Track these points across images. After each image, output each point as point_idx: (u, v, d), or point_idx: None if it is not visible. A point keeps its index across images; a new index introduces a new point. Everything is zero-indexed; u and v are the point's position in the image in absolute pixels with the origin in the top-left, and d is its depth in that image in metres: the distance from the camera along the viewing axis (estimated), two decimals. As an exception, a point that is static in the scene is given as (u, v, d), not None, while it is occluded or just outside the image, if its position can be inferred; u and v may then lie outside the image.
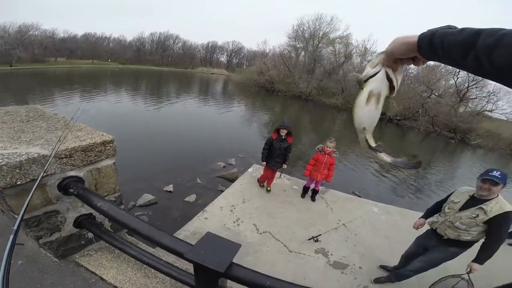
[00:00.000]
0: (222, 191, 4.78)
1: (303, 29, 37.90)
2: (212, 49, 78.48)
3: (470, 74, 27.29)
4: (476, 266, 2.16)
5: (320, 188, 4.89)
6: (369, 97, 0.68)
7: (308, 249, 3.48)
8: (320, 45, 36.73)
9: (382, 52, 0.66)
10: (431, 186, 9.13)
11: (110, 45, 62.52)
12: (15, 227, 0.91)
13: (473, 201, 2.12)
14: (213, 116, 14.29)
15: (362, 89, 0.70)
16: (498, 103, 26.89)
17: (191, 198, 5.07)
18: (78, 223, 1.62)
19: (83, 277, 1.62)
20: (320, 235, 3.64)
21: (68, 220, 1.58)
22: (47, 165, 1.24)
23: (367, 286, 3.01)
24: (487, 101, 27.29)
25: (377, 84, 0.67)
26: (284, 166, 4.51)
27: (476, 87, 27.36)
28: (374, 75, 0.67)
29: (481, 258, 2.14)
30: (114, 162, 1.72)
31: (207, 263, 1.03)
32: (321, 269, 3.19)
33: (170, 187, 5.34)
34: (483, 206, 2.01)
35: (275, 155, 4.27)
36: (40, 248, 1.61)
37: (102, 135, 1.61)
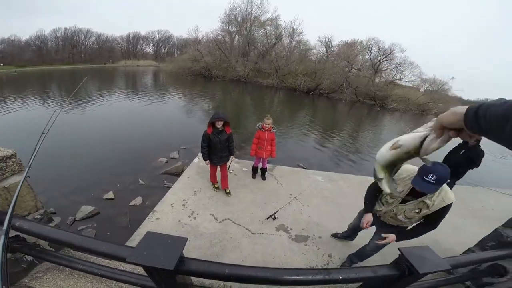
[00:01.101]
0: (169, 188, 4.50)
1: (236, 13, 37.35)
2: (134, 40, 70.53)
3: (380, 49, 32.28)
4: (391, 238, 2.07)
5: (268, 165, 5.07)
6: (394, 144, 0.77)
7: (269, 228, 3.58)
8: (252, 28, 36.94)
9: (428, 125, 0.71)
10: (363, 148, 10.41)
11: None
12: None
13: (415, 191, 1.84)
14: (147, 112, 13.05)
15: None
16: (405, 72, 32.81)
17: (137, 201, 4.67)
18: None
19: (44, 301, 1.47)
20: (276, 212, 3.76)
21: None
22: None
23: (331, 254, 3.22)
24: (396, 71, 33.00)
25: (408, 140, 0.74)
26: (232, 158, 4.12)
27: (386, 60, 32.82)
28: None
29: (404, 237, 2.08)
30: (24, 178, 1.49)
31: (153, 263, 0.95)
32: (286, 245, 3.31)
33: (110, 194, 4.82)
34: (426, 200, 1.83)
35: (217, 151, 3.85)
36: None
37: (0, 150, 1.40)
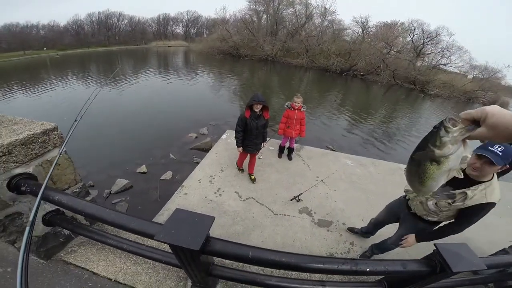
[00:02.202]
0: (198, 163, 4.59)
1: None
2: (164, 21, 71.80)
3: (425, 31, 29.49)
4: (412, 240, 1.94)
5: (295, 145, 4.92)
6: (449, 173, 0.69)
7: (292, 210, 3.52)
8: (280, 7, 35.52)
9: (460, 127, 0.60)
10: (398, 134, 9.73)
11: (40, 32, 54.48)
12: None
13: (457, 181, 1.46)
14: (178, 89, 13.44)
15: (438, 163, 0.67)
16: (452, 57, 29.64)
17: (167, 175, 4.88)
18: (47, 221, 1.55)
19: (75, 274, 1.59)
20: (301, 194, 3.66)
21: (36, 219, 1.48)
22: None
23: (353, 242, 3.09)
24: (441, 56, 29.90)
25: (457, 162, 0.67)
26: (264, 145, 3.88)
27: (431, 43, 29.78)
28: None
29: (424, 237, 1.91)
30: (65, 151, 1.56)
31: (180, 242, 0.93)
32: (307, 228, 3.23)
33: (143, 168, 5.09)
34: (467, 191, 1.56)
35: (253, 137, 3.54)
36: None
37: (42, 124, 1.44)
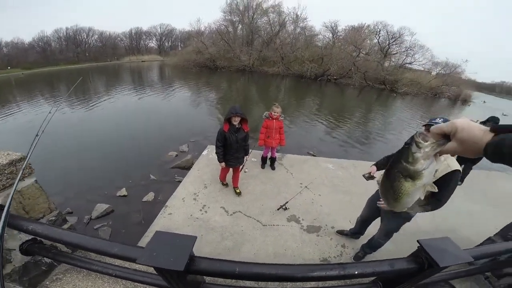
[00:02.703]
0: (180, 182, 4.49)
1: (237, 2, 36.76)
2: (137, 36, 70.51)
3: (389, 33, 31.59)
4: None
5: (277, 155, 5.00)
6: (424, 188, 0.70)
7: (280, 219, 3.53)
8: (255, 16, 36.39)
9: (431, 142, 0.61)
10: (374, 133, 10.17)
11: (3, 50, 51.46)
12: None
13: None
14: (154, 106, 13.12)
15: (413, 179, 0.67)
16: (415, 56, 31.93)
17: (149, 197, 4.72)
18: (25, 250, 1.51)
19: (64, 303, 1.55)
20: (287, 202, 3.70)
21: (12, 249, 1.51)
22: None
23: (344, 245, 3.15)
24: (406, 55, 32.17)
25: (430, 176, 0.67)
26: (246, 158, 3.87)
27: (395, 44, 31.93)
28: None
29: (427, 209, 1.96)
30: (35, 180, 1.57)
31: (163, 264, 0.92)
32: (297, 236, 3.26)
33: (123, 191, 4.89)
34: None
35: (233, 151, 3.48)
36: (7, 282, 1.53)
37: (8, 154, 1.41)
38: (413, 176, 0.66)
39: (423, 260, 1.13)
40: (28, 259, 1.58)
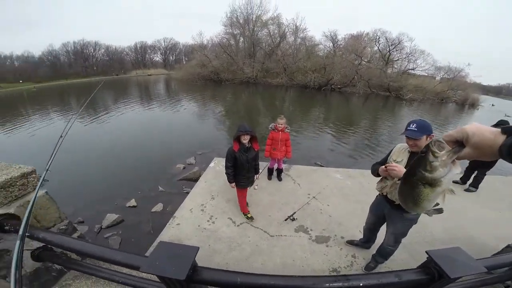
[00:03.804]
0: (188, 193, 4.56)
1: (237, 15, 37.84)
2: (142, 49, 72.79)
3: (388, 39, 31.79)
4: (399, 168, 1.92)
5: (284, 166, 5.03)
6: (443, 194, 0.73)
7: (288, 230, 3.51)
8: (255, 28, 37.15)
9: (447, 150, 0.63)
10: (382, 141, 10.11)
11: (15, 64, 53.49)
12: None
13: (414, 157, 1.79)
14: (162, 119, 13.39)
15: (432, 186, 0.70)
16: (417, 61, 32.04)
17: (158, 207, 4.80)
18: (36, 256, 1.58)
19: (72, 308, 1.60)
20: (295, 212, 3.69)
21: (24, 255, 1.51)
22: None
23: (354, 255, 3.09)
24: (408, 61, 32.36)
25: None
26: (257, 177, 3.68)
27: (396, 50, 32.14)
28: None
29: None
30: (46, 191, 1.67)
31: (165, 273, 0.96)
32: (306, 246, 3.22)
33: (132, 202, 4.99)
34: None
35: (245, 171, 3.30)
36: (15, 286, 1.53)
37: (20, 167, 1.53)
38: (433, 183, 0.69)
39: (432, 271, 1.09)
40: (39, 265, 1.66)
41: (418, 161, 0.71)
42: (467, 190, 4.76)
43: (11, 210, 1.43)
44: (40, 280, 1.66)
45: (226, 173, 3.36)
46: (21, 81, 45.67)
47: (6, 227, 1.35)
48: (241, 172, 3.31)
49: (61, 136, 1.53)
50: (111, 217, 4.47)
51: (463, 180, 4.98)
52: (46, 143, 8.91)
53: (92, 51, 63.40)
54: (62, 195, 1.77)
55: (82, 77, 54.74)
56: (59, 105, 19.85)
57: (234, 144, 3.15)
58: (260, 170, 3.83)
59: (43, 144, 8.97)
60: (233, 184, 3.42)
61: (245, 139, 3.11)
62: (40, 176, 1.55)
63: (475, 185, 4.76)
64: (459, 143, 0.60)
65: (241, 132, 3.05)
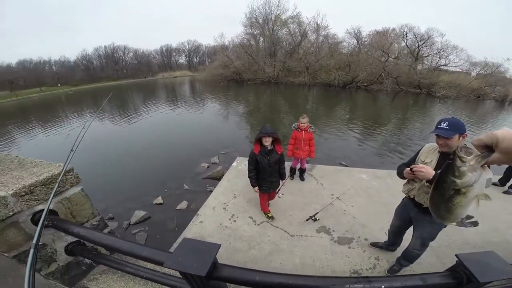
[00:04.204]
0: (211, 192, 4.65)
1: (256, 15, 38.06)
2: (167, 52, 75.98)
3: (416, 35, 29.88)
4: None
5: (307, 165, 4.94)
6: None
7: (309, 230, 3.45)
8: (275, 28, 37.06)
9: (475, 155, 0.62)
10: (412, 141, 9.53)
11: (53, 68, 58.34)
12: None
13: (444, 158, 1.81)
14: (188, 119, 13.89)
15: (464, 192, 0.70)
16: (450, 57, 29.53)
17: (183, 205, 4.99)
18: (69, 251, 1.69)
19: (97, 300, 1.71)
20: (317, 213, 3.61)
21: (59, 250, 1.65)
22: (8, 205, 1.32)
23: (378, 257, 2.98)
24: (439, 57, 29.91)
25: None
26: (283, 182, 3.52)
27: (426, 46, 30.01)
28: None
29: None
30: (81, 189, 1.76)
31: (187, 268, 0.99)
32: (327, 247, 3.15)
33: (159, 199, 5.24)
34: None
35: (267, 175, 3.15)
36: (47, 279, 1.68)
37: (59, 166, 1.63)
38: (463, 189, 0.68)
39: (461, 275, 1.03)
40: (71, 259, 1.75)
41: (447, 167, 0.70)
42: (505, 192, 4.41)
43: (51, 206, 1.51)
44: (71, 274, 1.76)
45: (248, 177, 3.25)
46: (59, 85, 49.75)
47: (45, 222, 1.42)
48: (263, 176, 3.18)
49: (71, 150, 1.55)
50: (138, 214, 4.71)
51: (502, 182, 4.61)
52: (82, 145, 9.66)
53: (121, 54, 67.61)
54: (94, 192, 1.89)
55: (113, 80, 58.38)
56: (92, 107, 21.35)
57: (255, 146, 3.05)
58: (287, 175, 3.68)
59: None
60: (257, 188, 3.28)
61: (267, 142, 2.97)
62: (77, 174, 1.67)
63: (503, 183, 4.48)
64: (488, 148, 0.59)
65: (262, 134, 2.91)
